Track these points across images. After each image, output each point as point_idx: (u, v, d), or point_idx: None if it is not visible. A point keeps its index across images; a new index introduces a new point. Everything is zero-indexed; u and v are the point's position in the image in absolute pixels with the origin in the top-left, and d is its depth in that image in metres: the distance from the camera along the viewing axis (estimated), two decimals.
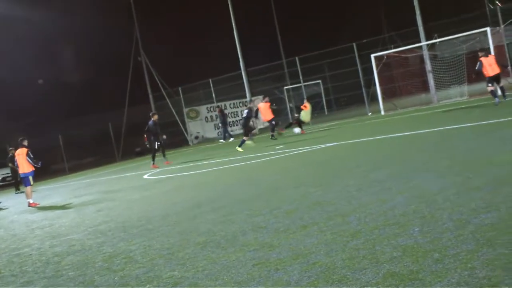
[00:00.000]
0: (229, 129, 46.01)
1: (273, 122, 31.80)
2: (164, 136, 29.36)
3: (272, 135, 31.40)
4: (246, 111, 29.97)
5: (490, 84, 25.35)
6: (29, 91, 50.74)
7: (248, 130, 29.52)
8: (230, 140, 42.22)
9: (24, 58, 47.46)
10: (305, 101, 34.56)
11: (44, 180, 39.28)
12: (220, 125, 45.81)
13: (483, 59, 25.55)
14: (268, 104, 31.84)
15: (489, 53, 27.87)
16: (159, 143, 29.10)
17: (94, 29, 51.54)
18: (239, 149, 27.94)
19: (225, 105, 50.52)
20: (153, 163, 29.11)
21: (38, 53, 50.63)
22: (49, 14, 48.43)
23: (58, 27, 49.66)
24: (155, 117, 29.40)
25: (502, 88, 25.87)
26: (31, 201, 20.84)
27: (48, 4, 49.14)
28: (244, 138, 29.01)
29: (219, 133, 49.72)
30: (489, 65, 25.36)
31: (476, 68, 25.81)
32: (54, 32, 50.35)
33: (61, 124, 49.18)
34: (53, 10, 48.67)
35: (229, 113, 50.72)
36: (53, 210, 18.52)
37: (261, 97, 37.64)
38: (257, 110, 32.17)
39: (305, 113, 33.06)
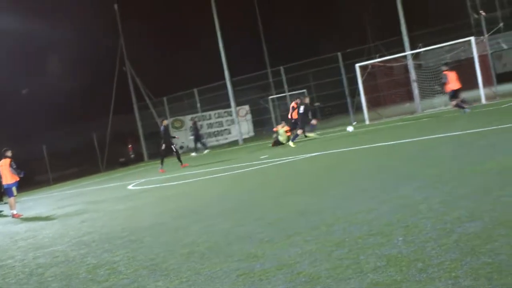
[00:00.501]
0: (203, 140, 45.66)
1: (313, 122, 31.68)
2: (177, 136, 30.01)
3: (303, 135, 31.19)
4: (302, 107, 30.01)
5: (453, 98, 26.66)
6: (13, 101, 50.54)
7: (305, 124, 29.93)
8: (205, 152, 41.90)
9: (7, 67, 47.30)
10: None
11: (28, 191, 39.06)
12: (193, 137, 45.35)
13: (447, 73, 26.46)
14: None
15: (452, 68, 28.88)
16: (174, 145, 30.09)
17: (78, 39, 51.49)
18: (292, 144, 28.35)
19: (209, 115, 50.52)
20: (161, 167, 29.74)
21: (21, 63, 50.52)
22: (33, 24, 48.34)
23: (42, 37, 49.54)
24: (165, 122, 30.72)
25: (463, 101, 26.89)
26: (14, 212, 20.66)
27: (32, 14, 49.04)
28: (298, 132, 29.29)
29: (204, 143, 49.69)
30: (453, 80, 26.13)
31: (443, 80, 26.80)
32: (38, 42, 50.26)
33: (45, 135, 48.98)
34: (37, 20, 48.57)
35: (213, 122, 50.71)
36: (36, 221, 18.41)
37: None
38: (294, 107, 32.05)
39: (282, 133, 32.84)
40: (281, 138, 32.00)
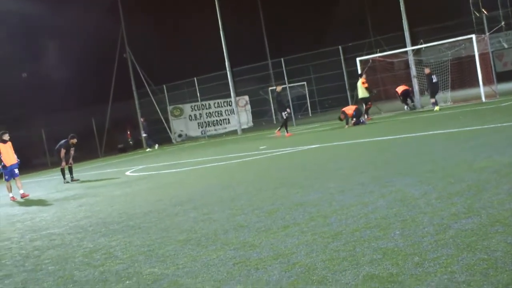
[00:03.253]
0: (154, 137, 46.59)
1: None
2: (288, 110, 30.55)
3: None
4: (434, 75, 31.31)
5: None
6: (12, 85, 50.38)
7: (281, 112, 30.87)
8: (156, 147, 43.38)
9: (7, 51, 47.14)
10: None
11: (26, 174, 39.06)
12: (145, 135, 46.04)
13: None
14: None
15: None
16: (285, 113, 30.43)
17: (79, 24, 51.26)
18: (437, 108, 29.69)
19: (209, 104, 50.51)
20: (279, 130, 31.10)
21: (21, 47, 50.31)
22: (33, 8, 48.13)
23: (42, 21, 49.31)
24: (279, 88, 31.29)
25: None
26: (11, 195, 20.69)
27: None
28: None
29: (202, 132, 49.74)
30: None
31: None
32: (38, 26, 50.00)
33: (44, 119, 48.88)
34: (37, 4, 48.37)
35: (213, 112, 50.71)
36: (34, 204, 18.42)
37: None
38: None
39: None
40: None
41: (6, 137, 20.87)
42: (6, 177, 21.13)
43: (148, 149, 44.09)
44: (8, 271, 8.78)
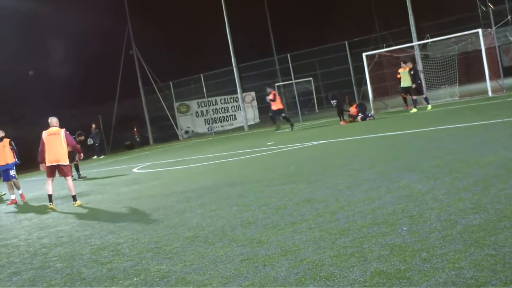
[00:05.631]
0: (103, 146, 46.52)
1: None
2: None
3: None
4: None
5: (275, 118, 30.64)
6: (18, 83, 50.44)
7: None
8: (101, 157, 43.22)
9: (14, 49, 47.17)
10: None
11: (32, 172, 39.11)
12: (97, 143, 44.86)
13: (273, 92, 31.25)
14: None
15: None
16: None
17: (86, 22, 51.30)
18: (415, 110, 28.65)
19: (215, 101, 50.51)
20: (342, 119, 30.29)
21: (28, 45, 50.35)
22: (38, 5, 48.18)
23: (49, 19, 49.38)
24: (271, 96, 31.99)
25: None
26: (12, 197, 19.55)
27: None
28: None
29: (209, 128, 49.73)
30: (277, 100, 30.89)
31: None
32: (45, 24, 50.07)
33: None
34: (43, 2, 48.43)
35: (219, 108, 50.72)
36: (41, 201, 18.43)
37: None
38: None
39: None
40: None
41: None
42: (2, 178, 20.11)
43: (99, 156, 43.81)
44: (16, 268, 8.81)
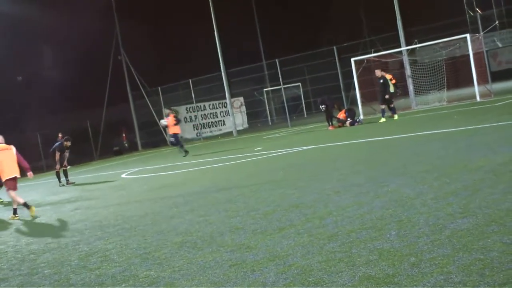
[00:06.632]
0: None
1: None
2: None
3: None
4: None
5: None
6: (7, 88, 50.34)
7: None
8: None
9: (1, 54, 47.08)
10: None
11: (21, 178, 38.98)
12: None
13: (170, 116, 29.68)
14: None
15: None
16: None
17: (74, 27, 51.26)
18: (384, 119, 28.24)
19: (204, 106, 50.50)
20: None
21: (16, 50, 50.31)
22: (26, 11, 48.12)
23: (37, 25, 49.35)
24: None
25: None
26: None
27: (27, 1, 48.89)
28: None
29: (198, 134, 49.68)
30: (172, 124, 29.34)
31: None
32: (34, 29, 50.02)
33: (39, 122, 48.84)
34: (32, 7, 48.40)
35: (208, 113, 50.70)
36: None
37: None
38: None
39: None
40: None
41: None
42: None
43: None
44: (4, 275, 8.76)
